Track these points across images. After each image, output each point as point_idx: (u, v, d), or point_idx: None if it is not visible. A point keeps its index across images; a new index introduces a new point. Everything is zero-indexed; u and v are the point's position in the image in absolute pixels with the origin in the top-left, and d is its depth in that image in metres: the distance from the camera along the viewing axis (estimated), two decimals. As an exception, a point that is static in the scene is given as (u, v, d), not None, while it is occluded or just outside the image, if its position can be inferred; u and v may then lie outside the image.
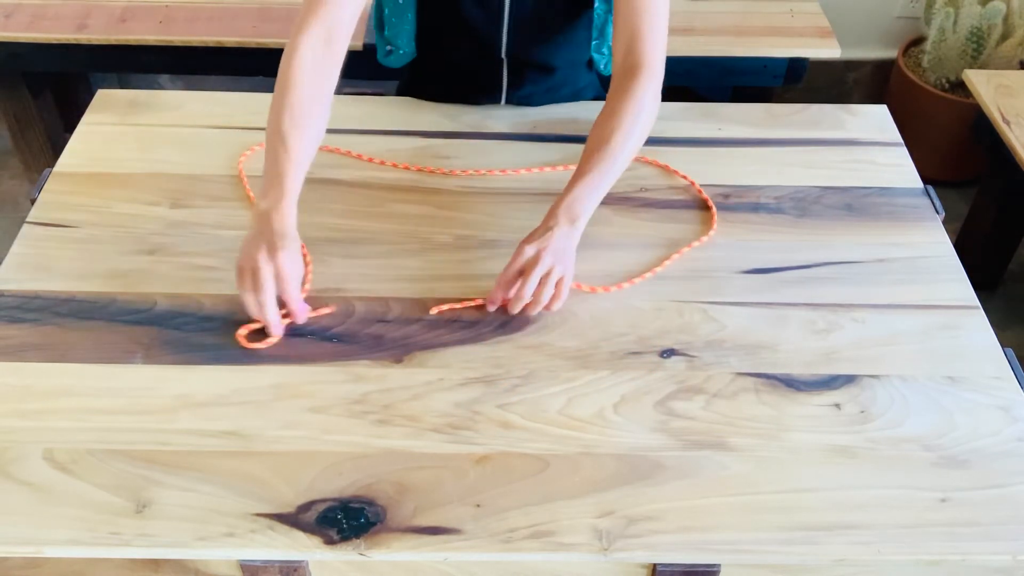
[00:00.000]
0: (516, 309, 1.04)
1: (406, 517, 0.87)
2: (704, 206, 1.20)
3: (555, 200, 1.08)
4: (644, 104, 1.12)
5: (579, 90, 1.36)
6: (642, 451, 0.93)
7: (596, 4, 1.26)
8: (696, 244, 1.15)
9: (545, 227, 1.05)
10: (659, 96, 1.15)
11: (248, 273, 0.99)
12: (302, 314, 1.03)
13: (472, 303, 1.06)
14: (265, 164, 1.05)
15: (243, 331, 1.02)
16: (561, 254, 1.03)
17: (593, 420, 0.96)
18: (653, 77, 1.13)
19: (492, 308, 1.06)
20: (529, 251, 1.03)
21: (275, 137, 1.05)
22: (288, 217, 1.02)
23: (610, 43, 1.30)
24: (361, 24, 1.73)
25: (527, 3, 1.23)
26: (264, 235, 0.99)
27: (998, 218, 2.05)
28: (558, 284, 1.03)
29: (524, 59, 1.29)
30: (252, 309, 1.00)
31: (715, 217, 1.18)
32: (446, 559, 0.88)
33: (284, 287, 1.00)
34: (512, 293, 1.04)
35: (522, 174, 1.25)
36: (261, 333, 1.03)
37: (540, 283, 1.02)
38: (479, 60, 1.30)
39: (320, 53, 1.08)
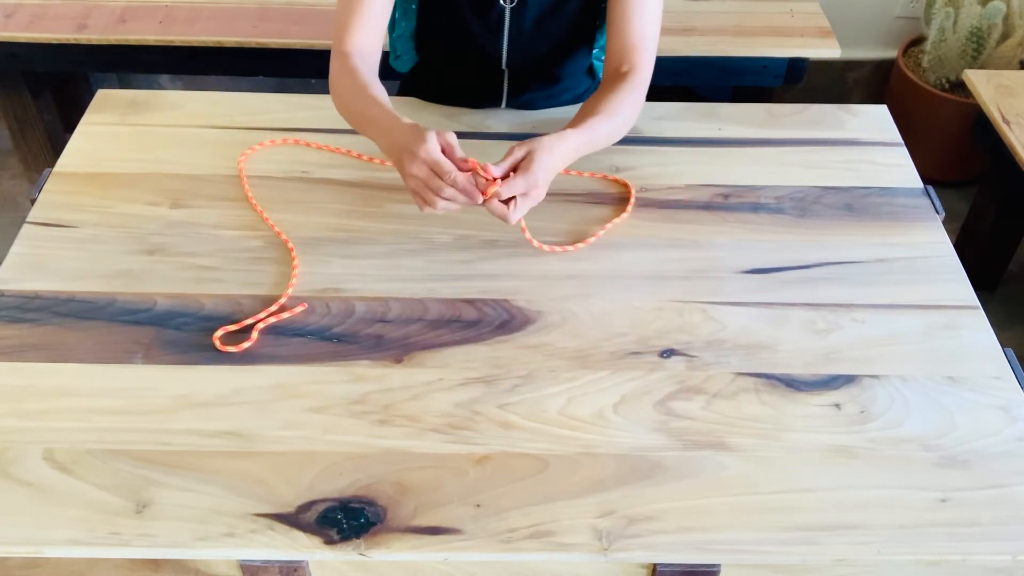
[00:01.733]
0: (504, 194, 1.03)
1: (406, 517, 0.87)
2: (624, 197, 1.21)
3: (551, 137, 1.08)
4: (630, 96, 1.17)
5: (580, 95, 1.37)
6: (642, 451, 0.93)
7: (597, 17, 1.26)
8: (617, 221, 1.17)
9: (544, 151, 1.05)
10: (643, 100, 1.21)
11: (420, 189, 1.01)
12: (475, 194, 1.01)
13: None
14: (360, 124, 1.13)
15: (219, 333, 1.02)
16: (548, 176, 1.06)
17: (593, 420, 0.96)
18: (643, 83, 1.19)
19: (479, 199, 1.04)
20: (519, 152, 1.05)
21: (357, 102, 1.12)
22: (404, 120, 1.05)
23: None
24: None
25: (528, 17, 1.23)
26: (402, 145, 1.02)
27: (998, 218, 2.05)
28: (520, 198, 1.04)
29: (525, 69, 1.29)
30: (452, 208, 1.02)
31: (632, 199, 1.21)
32: (446, 559, 0.88)
33: (441, 174, 1.00)
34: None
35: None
36: (237, 335, 1.02)
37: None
38: (480, 70, 1.30)
39: (372, 48, 1.18)
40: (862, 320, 1.07)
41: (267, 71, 2.04)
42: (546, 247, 1.13)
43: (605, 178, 1.24)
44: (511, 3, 1.21)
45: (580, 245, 1.14)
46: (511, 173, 1.04)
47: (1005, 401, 0.99)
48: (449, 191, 1.00)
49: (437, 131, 1.02)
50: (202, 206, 1.19)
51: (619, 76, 1.18)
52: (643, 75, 1.19)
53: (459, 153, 1.02)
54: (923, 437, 0.96)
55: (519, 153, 1.05)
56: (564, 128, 1.12)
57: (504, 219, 1.04)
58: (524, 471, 0.91)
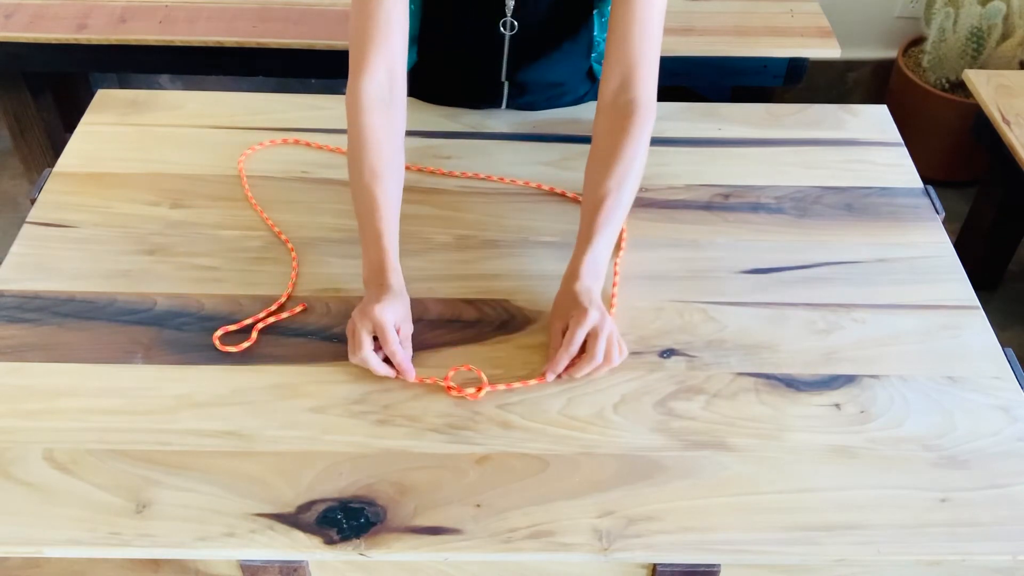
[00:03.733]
0: (585, 371, 0.98)
1: (406, 517, 0.87)
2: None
3: (572, 263, 1.03)
4: (640, 147, 1.09)
5: (580, 97, 1.37)
6: (642, 451, 0.93)
7: (595, 29, 1.26)
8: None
9: (584, 301, 0.99)
10: (649, 136, 1.11)
11: (350, 336, 0.98)
12: (408, 370, 0.98)
13: (525, 383, 0.99)
14: (359, 225, 1.04)
15: (219, 333, 1.02)
16: (611, 322, 0.99)
17: (593, 420, 0.96)
18: (649, 118, 1.10)
19: (551, 379, 0.99)
20: (595, 315, 0.97)
21: (361, 195, 1.04)
22: (392, 274, 1.01)
23: None
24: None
25: (527, 40, 1.22)
26: (370, 303, 0.97)
27: (998, 218, 2.05)
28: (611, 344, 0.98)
29: (525, 80, 1.29)
30: (374, 368, 0.97)
31: (623, 243, 1.14)
32: (446, 559, 0.88)
33: (382, 339, 0.96)
34: (571, 355, 0.98)
35: (520, 184, 1.24)
36: (237, 335, 1.02)
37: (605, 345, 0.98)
38: (479, 81, 1.30)
39: (386, 95, 1.08)
40: (862, 320, 1.07)
41: (267, 71, 2.04)
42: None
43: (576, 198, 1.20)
44: (512, 31, 1.21)
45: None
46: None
47: (1005, 401, 0.99)
48: (366, 354, 0.96)
49: (392, 309, 0.98)
50: (202, 206, 1.19)
51: (620, 109, 1.10)
52: (647, 109, 1.10)
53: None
54: (923, 437, 0.95)
55: (562, 342, 0.98)
56: (576, 246, 1.05)
57: (608, 366, 0.98)
58: (524, 471, 0.91)
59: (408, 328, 1.01)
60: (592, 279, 1.02)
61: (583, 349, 0.98)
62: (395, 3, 1.07)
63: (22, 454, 0.91)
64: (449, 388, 0.98)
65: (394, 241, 1.03)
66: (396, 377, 0.99)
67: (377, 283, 1.01)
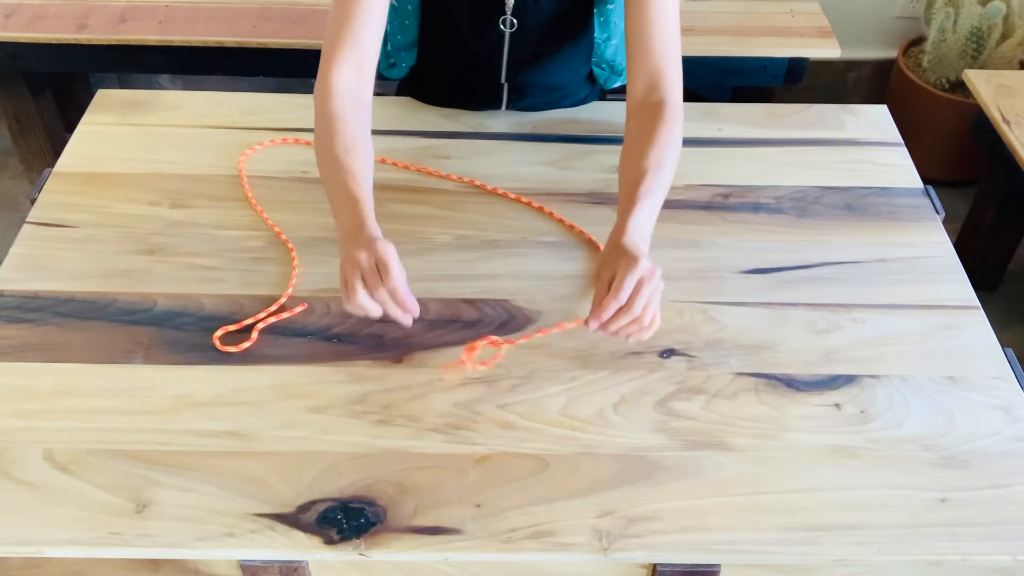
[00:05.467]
0: (621, 323, 0.94)
1: (406, 517, 0.87)
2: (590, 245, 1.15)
3: (617, 227, 1.01)
4: (674, 137, 1.09)
5: (580, 100, 1.36)
6: (642, 451, 0.93)
7: (595, 30, 1.26)
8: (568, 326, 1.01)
9: (634, 251, 0.96)
10: (681, 132, 1.11)
11: (354, 279, 0.92)
12: (414, 307, 0.94)
13: (561, 327, 0.98)
14: (329, 196, 1.02)
15: (219, 333, 1.02)
16: (659, 279, 0.96)
17: (593, 420, 0.96)
18: (679, 116, 1.11)
19: (594, 328, 0.94)
20: (646, 264, 0.94)
21: (333, 166, 1.02)
22: (374, 228, 0.97)
23: (607, 57, 1.30)
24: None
25: (527, 39, 1.22)
26: (357, 246, 0.94)
27: (998, 218, 2.05)
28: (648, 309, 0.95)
29: (525, 82, 1.29)
30: (373, 310, 0.92)
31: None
32: (446, 559, 0.88)
33: (385, 274, 0.91)
34: (617, 307, 0.93)
35: (519, 187, 1.24)
36: (237, 335, 1.02)
37: (645, 304, 0.94)
38: (479, 82, 1.30)
39: (354, 85, 1.08)
40: (862, 320, 1.07)
41: (267, 71, 2.04)
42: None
43: (572, 228, 1.18)
44: (511, 28, 1.21)
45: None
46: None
47: (1005, 401, 0.99)
48: (383, 293, 0.92)
49: (392, 251, 0.94)
50: (202, 206, 1.19)
51: (650, 108, 1.10)
52: (677, 110, 1.11)
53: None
54: (923, 437, 0.95)
55: (604, 289, 0.95)
56: (618, 215, 1.04)
57: (643, 332, 0.95)
58: (524, 471, 0.91)
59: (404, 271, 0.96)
60: (639, 237, 1.00)
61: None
62: (374, 2, 1.08)
63: (22, 454, 0.91)
64: (464, 362, 0.97)
65: (371, 206, 1.00)
66: (384, 318, 0.94)
67: (363, 236, 0.96)
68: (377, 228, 0.97)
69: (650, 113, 1.10)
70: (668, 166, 1.07)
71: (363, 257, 0.92)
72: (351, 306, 0.93)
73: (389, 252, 0.93)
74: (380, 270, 0.92)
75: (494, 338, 0.98)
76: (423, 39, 1.26)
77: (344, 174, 1.01)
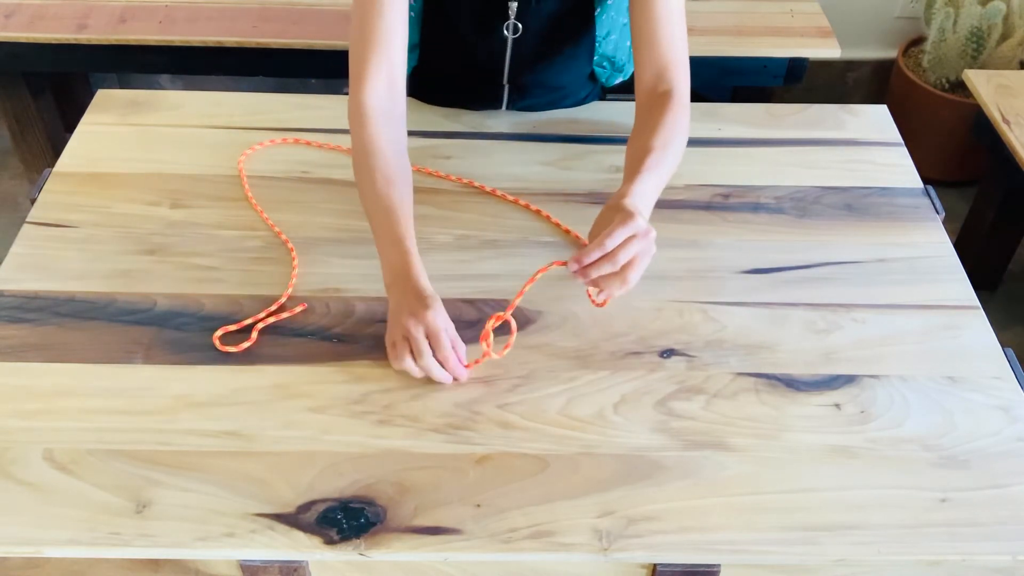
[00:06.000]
0: (601, 272, 0.94)
1: (406, 517, 0.87)
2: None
3: (620, 191, 1.01)
4: (681, 122, 1.10)
5: (580, 100, 1.36)
6: (642, 451, 0.93)
7: (596, 30, 1.26)
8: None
9: (633, 209, 0.96)
10: (688, 122, 1.12)
11: (401, 342, 0.95)
12: (461, 373, 0.97)
13: (544, 269, 0.97)
14: (375, 233, 1.04)
15: (219, 333, 1.02)
16: (652, 242, 0.97)
17: (593, 420, 0.96)
18: (687, 106, 1.13)
19: (573, 269, 0.95)
20: (642, 223, 0.94)
21: (376, 202, 1.03)
22: (421, 277, 0.98)
23: (608, 54, 1.30)
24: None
25: (530, 42, 1.22)
26: (406, 301, 0.96)
27: (998, 218, 2.05)
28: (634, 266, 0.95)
29: (526, 83, 1.29)
30: (416, 374, 0.96)
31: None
32: (446, 559, 0.88)
33: (436, 344, 0.95)
34: (602, 253, 0.93)
35: (518, 187, 1.24)
36: (237, 335, 1.02)
37: (630, 260, 0.94)
38: (480, 83, 1.30)
39: (387, 103, 1.08)
40: (862, 320, 1.07)
41: (267, 71, 2.05)
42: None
43: (568, 232, 1.18)
44: (515, 34, 1.21)
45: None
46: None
47: (1005, 401, 0.99)
48: (425, 362, 0.94)
49: (441, 314, 0.96)
50: (202, 206, 1.19)
51: (658, 97, 1.12)
52: (682, 90, 1.13)
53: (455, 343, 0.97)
54: (923, 437, 0.95)
55: (602, 237, 0.94)
56: (624, 180, 1.05)
57: (625, 284, 0.96)
58: (524, 471, 0.91)
59: (453, 330, 0.98)
60: (640, 202, 1.00)
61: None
62: (395, 13, 1.07)
63: (22, 454, 0.91)
64: (488, 352, 0.97)
65: (415, 244, 1.02)
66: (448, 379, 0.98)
67: (410, 288, 0.98)
68: (424, 276, 0.99)
69: (658, 102, 1.12)
70: (674, 149, 1.08)
71: (412, 325, 0.94)
72: (397, 367, 0.96)
73: (439, 320, 0.95)
74: (431, 340, 0.95)
75: (496, 314, 0.98)
76: (425, 42, 1.26)
77: (388, 213, 1.02)
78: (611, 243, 0.93)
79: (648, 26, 1.12)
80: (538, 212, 1.19)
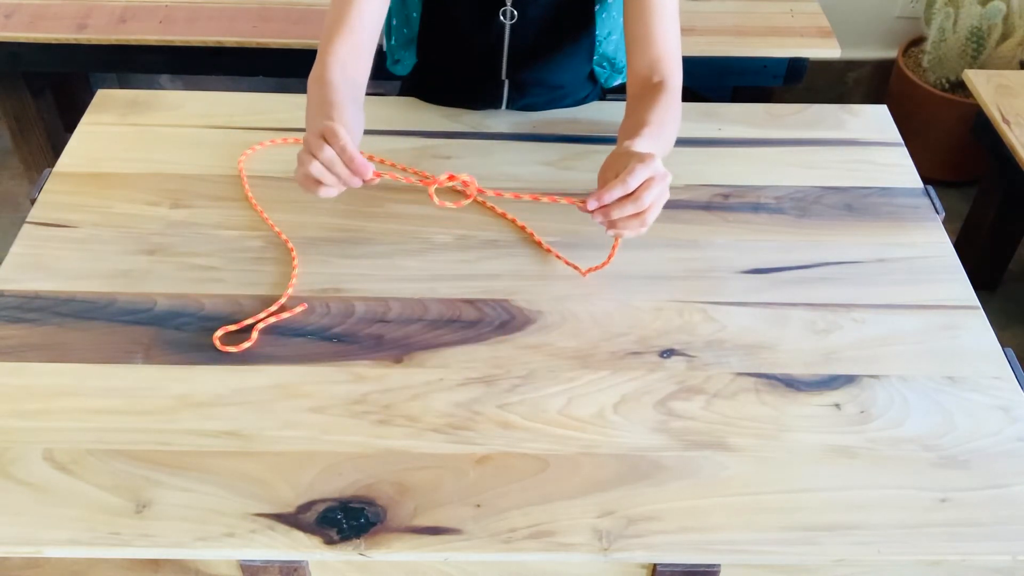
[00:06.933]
0: (625, 213, 0.94)
1: (406, 517, 0.87)
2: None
3: (623, 144, 1.01)
4: (674, 106, 1.12)
5: (580, 100, 1.37)
6: (642, 451, 0.93)
7: (596, 27, 1.26)
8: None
9: (647, 151, 0.97)
10: (680, 113, 1.14)
11: (304, 156, 0.95)
12: (365, 168, 0.95)
13: (554, 199, 0.98)
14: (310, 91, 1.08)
15: (219, 333, 1.02)
16: (667, 186, 0.97)
17: (593, 420, 0.96)
18: (678, 98, 1.14)
19: (593, 207, 0.95)
20: (659, 164, 0.94)
21: (314, 86, 1.07)
22: (336, 97, 1.02)
23: (608, 54, 1.30)
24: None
25: (528, 32, 1.22)
26: (312, 107, 1.01)
27: (998, 218, 2.05)
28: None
29: (526, 79, 1.29)
30: (326, 178, 0.95)
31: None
32: (446, 559, 0.88)
33: (332, 138, 0.93)
34: (619, 194, 0.94)
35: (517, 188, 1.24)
36: (237, 335, 1.02)
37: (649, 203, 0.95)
38: (480, 79, 1.30)
39: (350, 65, 1.11)
40: (862, 320, 1.07)
41: (267, 71, 2.05)
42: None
43: (551, 252, 1.17)
44: (511, 20, 1.21)
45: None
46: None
47: (1005, 401, 0.99)
48: (327, 154, 0.93)
49: (343, 119, 0.99)
50: (202, 206, 1.19)
51: (651, 87, 1.13)
52: (675, 83, 1.14)
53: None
54: (923, 437, 0.95)
55: (615, 179, 0.95)
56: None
57: (643, 227, 0.97)
58: (524, 471, 0.91)
59: (357, 132, 1.00)
60: (650, 145, 1.00)
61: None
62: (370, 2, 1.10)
63: (22, 454, 0.91)
64: (432, 195, 0.96)
65: (344, 99, 1.04)
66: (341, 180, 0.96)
67: (328, 111, 1.01)
68: (340, 100, 1.04)
69: (651, 91, 1.13)
70: (669, 130, 1.10)
71: (311, 136, 0.95)
72: (302, 179, 0.96)
73: (335, 124, 0.94)
74: (327, 136, 0.94)
75: (465, 178, 0.97)
76: (424, 33, 1.27)
77: (323, 87, 1.06)
78: (633, 182, 0.93)
79: (642, 19, 1.13)
80: (523, 228, 1.19)
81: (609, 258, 1.07)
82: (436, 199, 0.97)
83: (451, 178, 0.98)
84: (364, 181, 0.97)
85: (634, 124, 1.08)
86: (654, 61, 1.14)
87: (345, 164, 0.95)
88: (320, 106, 1.04)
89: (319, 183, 0.96)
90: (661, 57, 1.14)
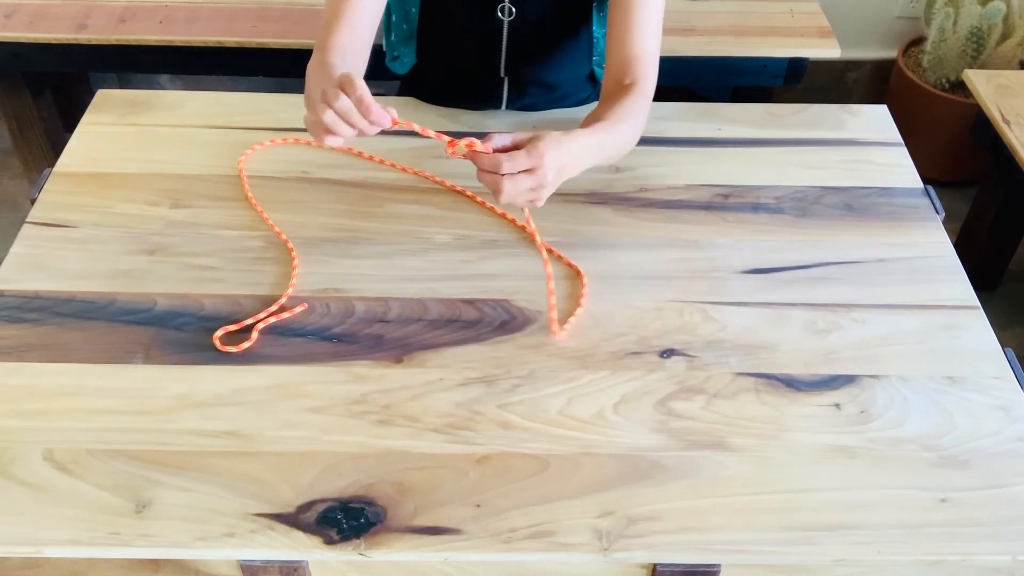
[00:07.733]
0: (484, 165, 0.97)
1: (406, 517, 0.87)
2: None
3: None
4: (637, 111, 1.12)
5: (580, 100, 1.37)
6: (642, 451, 0.93)
7: (594, 26, 1.26)
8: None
9: (554, 134, 0.99)
10: (648, 112, 1.15)
11: (316, 104, 0.93)
12: (383, 117, 0.94)
13: (440, 137, 1.00)
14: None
15: (219, 333, 1.02)
16: (558, 173, 0.98)
17: (593, 420, 0.96)
18: (647, 94, 1.15)
19: (464, 142, 0.97)
20: (551, 139, 0.97)
21: (314, 71, 1.05)
22: (335, 56, 1.03)
23: None
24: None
25: (526, 29, 1.22)
26: (316, 77, 0.99)
27: (998, 218, 2.05)
28: (532, 190, 0.98)
29: (525, 78, 1.29)
30: (342, 129, 0.94)
31: (584, 286, 1.10)
32: (446, 559, 0.88)
33: (349, 89, 0.92)
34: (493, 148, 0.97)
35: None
36: (237, 335, 1.02)
37: (523, 174, 0.96)
38: (479, 77, 1.30)
39: (349, 53, 1.10)
40: (862, 320, 1.07)
41: (267, 71, 2.05)
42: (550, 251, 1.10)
43: (550, 251, 1.12)
44: (510, 16, 1.21)
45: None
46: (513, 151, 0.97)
47: (1005, 401, 0.99)
48: (343, 103, 0.92)
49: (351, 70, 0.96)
50: (202, 206, 1.19)
51: (622, 88, 1.14)
52: (647, 87, 1.15)
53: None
54: (923, 437, 0.96)
55: (523, 136, 0.98)
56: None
57: (496, 192, 0.97)
58: (524, 471, 0.91)
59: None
60: (563, 148, 0.99)
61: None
62: None
63: (22, 454, 0.91)
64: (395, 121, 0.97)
65: (343, 50, 1.05)
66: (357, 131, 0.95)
67: (318, 67, 1.01)
68: (339, 58, 1.04)
69: (621, 91, 1.13)
70: (624, 128, 1.10)
71: (327, 87, 0.93)
72: (312, 125, 0.95)
73: (353, 74, 0.93)
74: (344, 86, 0.93)
75: (470, 140, 0.97)
76: (423, 29, 1.27)
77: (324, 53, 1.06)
78: (512, 140, 0.97)
79: (623, 19, 1.14)
80: (512, 221, 1.19)
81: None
82: (450, 150, 0.98)
83: (470, 145, 0.98)
84: (382, 130, 0.96)
85: (591, 119, 1.10)
86: (629, 61, 1.14)
87: (362, 114, 0.94)
88: (326, 76, 1.01)
89: (328, 131, 0.95)
90: (637, 58, 1.14)
